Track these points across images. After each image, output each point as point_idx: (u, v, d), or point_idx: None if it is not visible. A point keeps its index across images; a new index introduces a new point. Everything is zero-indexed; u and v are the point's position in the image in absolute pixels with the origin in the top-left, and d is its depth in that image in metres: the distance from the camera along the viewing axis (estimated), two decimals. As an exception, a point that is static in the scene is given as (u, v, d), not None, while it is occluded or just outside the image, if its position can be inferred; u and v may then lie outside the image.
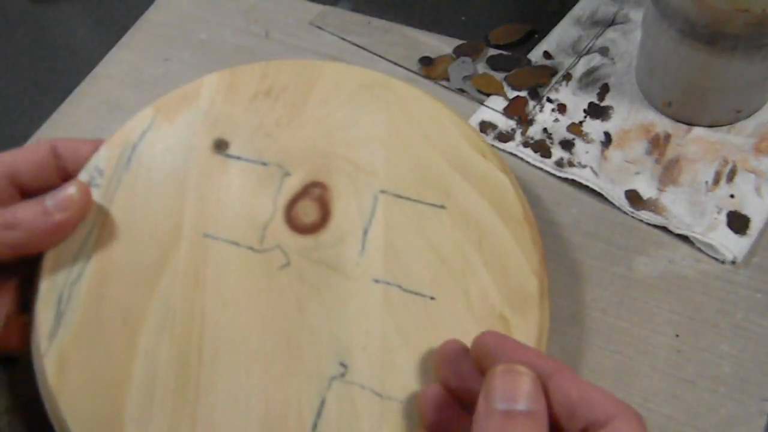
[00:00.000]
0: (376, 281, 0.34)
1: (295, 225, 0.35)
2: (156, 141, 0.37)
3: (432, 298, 0.33)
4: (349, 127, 0.37)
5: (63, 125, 0.50)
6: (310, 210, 0.35)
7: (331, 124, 0.38)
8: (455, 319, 0.33)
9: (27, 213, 0.32)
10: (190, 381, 0.32)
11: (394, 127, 0.38)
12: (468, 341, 0.31)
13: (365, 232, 0.35)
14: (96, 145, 0.36)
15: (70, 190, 0.33)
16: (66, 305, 0.33)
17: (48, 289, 0.33)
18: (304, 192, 0.36)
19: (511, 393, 0.25)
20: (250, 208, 0.35)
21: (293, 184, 0.36)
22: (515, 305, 0.33)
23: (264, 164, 0.36)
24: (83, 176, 0.36)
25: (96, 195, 0.35)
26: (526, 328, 0.33)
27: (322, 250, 0.34)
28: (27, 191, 0.34)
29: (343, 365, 0.32)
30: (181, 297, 0.33)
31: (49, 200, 0.33)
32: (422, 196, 0.36)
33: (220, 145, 0.37)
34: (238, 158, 0.37)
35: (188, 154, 0.37)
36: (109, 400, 0.31)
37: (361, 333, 0.32)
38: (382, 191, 0.36)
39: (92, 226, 0.34)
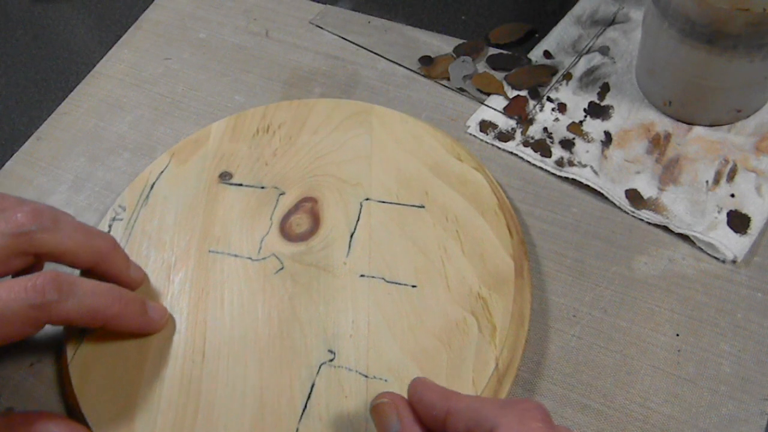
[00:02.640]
0: (362, 276, 0.38)
1: (288, 235, 0.40)
2: (170, 179, 0.43)
3: (413, 286, 0.37)
4: (337, 150, 0.43)
5: (63, 125, 0.50)
6: (302, 221, 0.40)
7: (322, 149, 0.43)
8: (435, 302, 0.37)
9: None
10: (193, 376, 0.36)
11: (377, 144, 0.43)
12: (447, 321, 0.36)
13: (351, 236, 0.39)
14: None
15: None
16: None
17: None
18: (297, 207, 0.41)
19: (383, 427, 0.29)
20: (250, 225, 0.41)
21: (287, 201, 0.41)
22: (492, 285, 0.37)
23: (262, 188, 0.42)
24: (110, 213, 0.42)
25: (119, 227, 0.42)
26: (503, 304, 0.36)
27: (313, 254, 0.39)
28: None
29: (331, 352, 0.36)
30: (187, 304, 0.38)
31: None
32: (403, 199, 0.40)
33: (224, 176, 0.43)
34: (240, 185, 0.42)
35: (197, 186, 0.42)
36: (124, 396, 0.35)
37: (348, 322, 0.36)
38: (367, 199, 0.41)
39: None
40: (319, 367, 0.35)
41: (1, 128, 0.51)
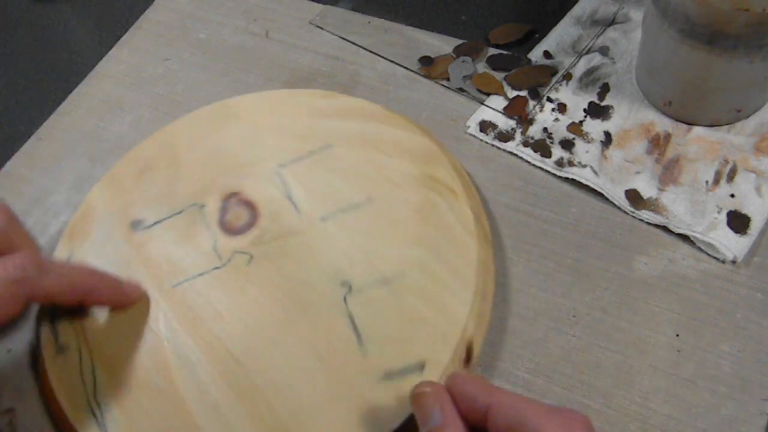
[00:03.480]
0: (323, 219, 0.40)
1: (236, 230, 0.41)
2: (86, 255, 0.41)
3: (370, 200, 0.40)
4: (221, 149, 0.44)
5: (63, 125, 0.50)
6: (239, 214, 0.41)
7: (208, 156, 0.44)
8: (397, 199, 0.40)
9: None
10: (242, 383, 0.35)
11: (254, 125, 0.45)
12: (416, 205, 0.40)
13: (290, 198, 0.41)
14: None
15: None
16: (102, 416, 0.35)
17: (75, 411, 0.35)
18: (225, 207, 0.42)
19: (424, 417, 0.29)
20: (194, 245, 0.40)
21: (212, 208, 0.42)
22: (431, 161, 0.41)
23: (180, 212, 0.42)
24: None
25: None
26: (449, 173, 0.41)
27: (269, 231, 0.40)
28: None
29: (345, 284, 0.38)
30: (190, 337, 0.37)
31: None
32: (309, 148, 0.43)
33: (137, 225, 0.42)
34: (157, 223, 0.42)
35: (117, 247, 0.41)
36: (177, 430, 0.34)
37: (340, 255, 0.39)
38: (281, 165, 0.43)
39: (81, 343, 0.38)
40: (345, 300, 0.37)
41: (1, 128, 0.51)
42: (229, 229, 0.41)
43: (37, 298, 0.34)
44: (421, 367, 0.34)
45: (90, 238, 0.41)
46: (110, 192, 0.43)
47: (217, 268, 0.39)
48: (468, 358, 0.35)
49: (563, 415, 0.26)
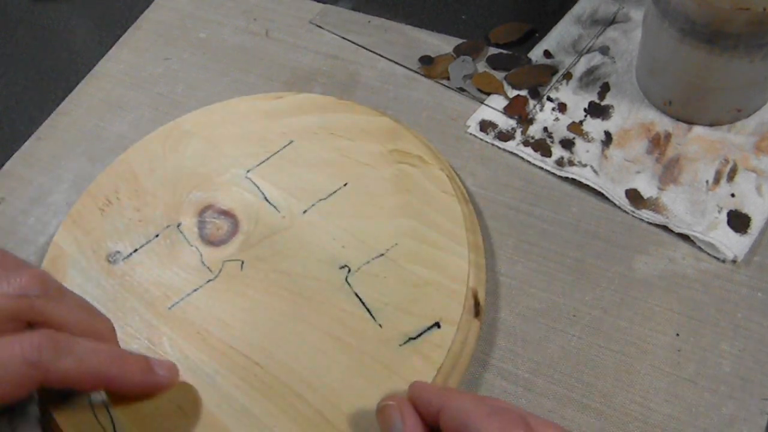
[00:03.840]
0: (305, 212, 0.41)
1: (219, 242, 0.41)
2: (74, 284, 0.40)
3: (346, 185, 0.41)
4: (182, 168, 0.44)
5: (63, 124, 0.50)
6: (219, 224, 0.41)
7: (170, 177, 0.44)
8: (371, 178, 0.41)
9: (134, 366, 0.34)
10: (264, 382, 0.35)
11: (209, 138, 0.45)
12: (392, 179, 0.41)
13: (266, 199, 0.42)
14: None
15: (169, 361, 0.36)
16: None
17: None
18: (203, 221, 0.42)
19: (387, 428, 0.30)
20: (182, 264, 0.40)
21: (189, 225, 0.42)
22: (388, 137, 0.43)
23: (156, 236, 0.41)
24: None
25: None
26: (413, 143, 0.42)
27: (254, 234, 0.41)
28: None
29: (343, 267, 0.38)
30: (200, 352, 0.37)
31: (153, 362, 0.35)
32: (272, 148, 0.44)
33: (114, 257, 0.41)
34: (136, 251, 0.41)
35: (98, 282, 0.40)
36: None
37: (331, 242, 0.39)
38: (248, 171, 0.43)
39: None
40: (347, 282, 0.38)
41: (1, 128, 0.51)
42: (212, 241, 0.41)
43: (51, 382, 0.30)
44: (437, 324, 0.36)
45: (66, 282, 0.40)
46: (76, 232, 0.42)
47: (210, 280, 0.39)
48: (477, 310, 0.37)
49: (502, 417, 0.27)
